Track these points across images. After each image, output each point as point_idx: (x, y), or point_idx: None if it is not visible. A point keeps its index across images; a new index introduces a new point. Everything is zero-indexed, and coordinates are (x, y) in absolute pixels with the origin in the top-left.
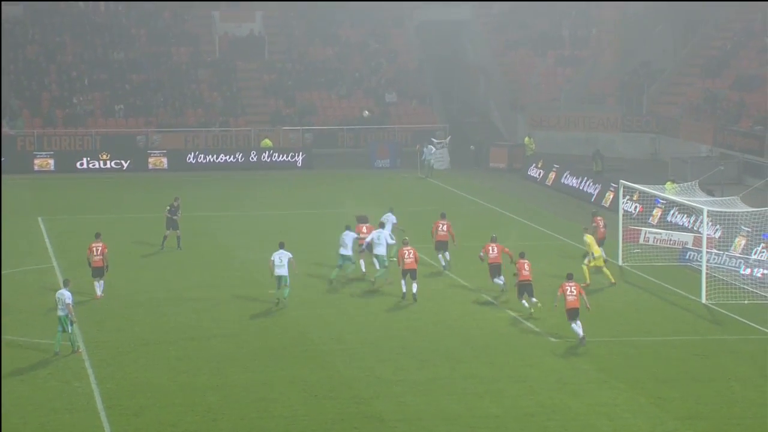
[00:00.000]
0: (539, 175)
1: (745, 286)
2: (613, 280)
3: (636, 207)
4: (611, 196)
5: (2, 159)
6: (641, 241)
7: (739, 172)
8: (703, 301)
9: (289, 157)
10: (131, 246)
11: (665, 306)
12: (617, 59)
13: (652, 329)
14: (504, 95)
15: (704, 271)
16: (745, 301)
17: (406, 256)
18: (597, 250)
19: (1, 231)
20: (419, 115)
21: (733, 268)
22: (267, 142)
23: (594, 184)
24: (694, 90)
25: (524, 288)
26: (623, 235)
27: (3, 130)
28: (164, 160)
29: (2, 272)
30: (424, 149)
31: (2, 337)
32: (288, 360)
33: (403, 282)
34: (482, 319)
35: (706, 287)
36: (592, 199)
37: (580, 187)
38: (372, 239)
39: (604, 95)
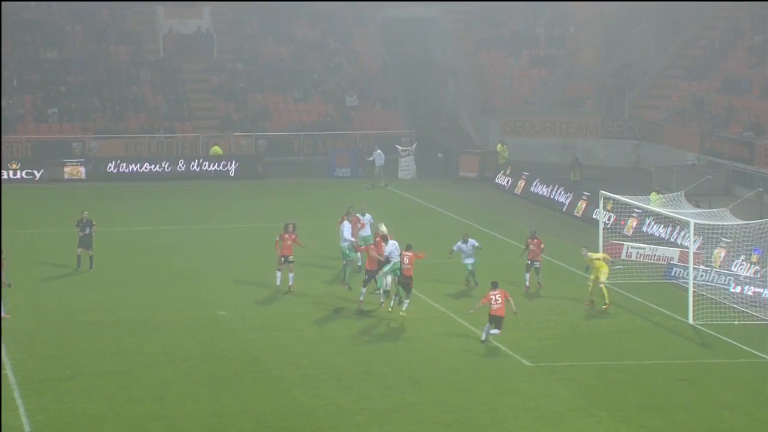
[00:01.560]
0: (507, 182)
1: (735, 306)
2: (606, 303)
3: (611, 217)
4: (584, 206)
5: None
6: (623, 256)
7: (728, 181)
8: (690, 321)
9: (240, 166)
10: (69, 260)
11: (649, 327)
12: (596, 60)
13: (635, 352)
14: (474, 99)
15: (691, 289)
16: (736, 322)
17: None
18: (605, 268)
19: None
20: (383, 120)
21: (722, 286)
22: (216, 149)
23: (565, 192)
24: (679, 93)
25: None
26: (604, 251)
27: None
28: (82, 170)
29: None
30: (374, 154)
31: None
32: (239, 388)
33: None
34: (451, 341)
35: (694, 306)
36: (564, 209)
37: (551, 196)
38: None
39: (582, 99)
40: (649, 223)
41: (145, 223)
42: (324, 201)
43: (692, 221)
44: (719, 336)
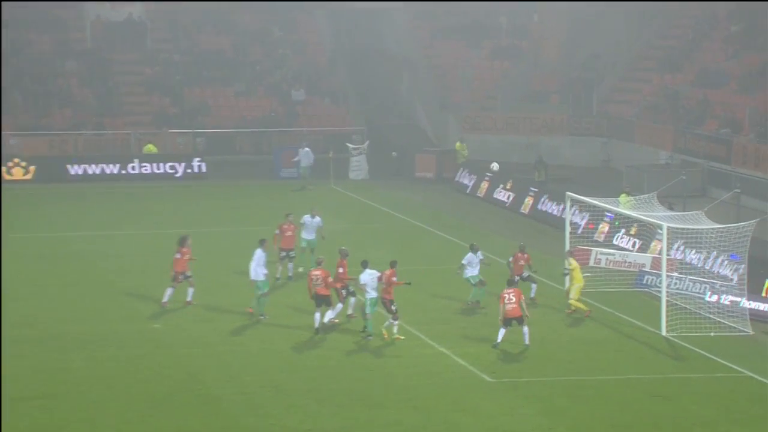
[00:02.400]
0: (470, 182)
1: (712, 316)
2: (579, 309)
3: (582, 219)
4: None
5: None
6: (591, 263)
7: (704, 182)
8: (664, 333)
9: (176, 166)
10: None
11: (619, 339)
12: (562, 51)
13: (605, 367)
14: (432, 93)
15: (664, 299)
16: (712, 333)
17: (314, 281)
18: (580, 280)
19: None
20: (332, 116)
21: (697, 295)
22: (150, 147)
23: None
24: (651, 87)
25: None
26: (571, 257)
27: None
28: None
29: None
30: (301, 153)
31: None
32: (175, 408)
33: (317, 314)
34: (405, 355)
35: (667, 317)
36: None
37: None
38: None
39: (547, 93)
40: (620, 237)
41: (69, 228)
42: (267, 204)
43: (665, 225)
44: (694, 349)
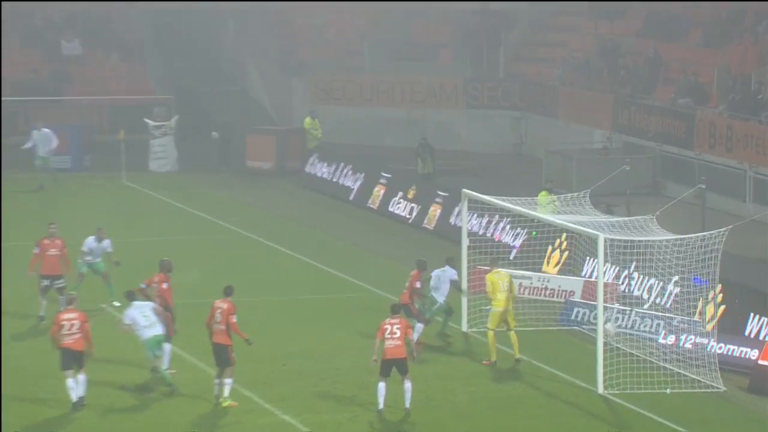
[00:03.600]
0: (326, 174)
1: (668, 365)
2: (495, 356)
3: (483, 221)
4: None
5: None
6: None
7: (655, 174)
8: (600, 390)
9: None
10: None
11: (538, 399)
12: None
13: None
14: (270, 48)
15: (601, 341)
16: (668, 390)
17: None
18: (499, 302)
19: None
20: (122, 79)
21: (647, 335)
22: None
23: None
24: (581, 39)
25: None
26: (469, 280)
27: None
28: None
29: None
30: (34, 136)
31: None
32: None
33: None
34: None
35: (605, 367)
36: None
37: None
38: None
39: (434, 47)
40: (503, 227)
41: None
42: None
43: (602, 236)
44: (642, 412)
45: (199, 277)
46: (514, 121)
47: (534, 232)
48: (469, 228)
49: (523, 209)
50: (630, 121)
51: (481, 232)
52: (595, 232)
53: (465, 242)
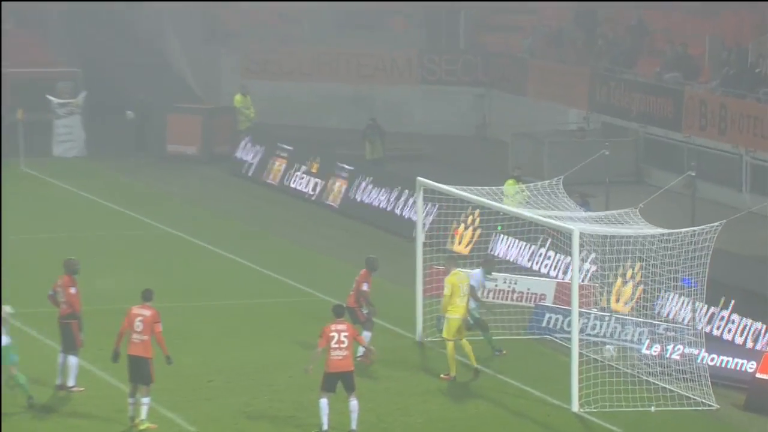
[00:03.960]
0: (253, 161)
1: (652, 379)
2: (455, 370)
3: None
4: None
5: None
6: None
7: (638, 159)
8: (575, 408)
9: None
10: None
11: (504, 419)
12: None
13: None
14: (193, 14)
15: (576, 352)
16: (652, 408)
17: None
18: (458, 309)
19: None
20: (20, 48)
21: (629, 344)
22: None
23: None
24: (554, 5)
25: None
26: (424, 282)
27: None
28: None
29: None
30: None
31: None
32: None
33: None
34: None
35: (581, 382)
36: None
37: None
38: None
39: (385, 15)
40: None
41: None
42: None
43: (576, 230)
44: None
45: (111, 279)
46: (476, 98)
47: (499, 226)
48: (424, 223)
49: (486, 200)
50: (609, 98)
51: (437, 227)
52: (568, 226)
53: (420, 238)
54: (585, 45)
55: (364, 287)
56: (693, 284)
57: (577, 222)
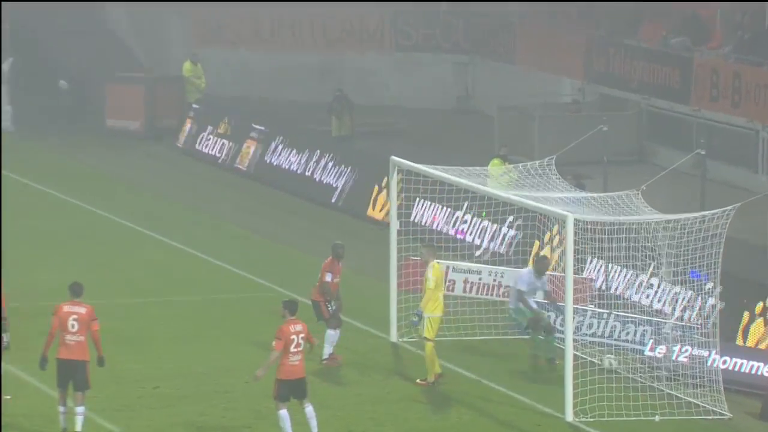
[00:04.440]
0: (194, 135)
1: (657, 385)
2: (434, 375)
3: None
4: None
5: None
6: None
7: (641, 136)
8: (569, 418)
9: None
10: None
11: (489, 428)
12: None
13: None
14: None
15: (570, 354)
16: (656, 418)
17: None
18: (437, 306)
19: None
20: None
21: (630, 345)
22: None
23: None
24: None
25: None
26: (399, 275)
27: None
28: None
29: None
30: None
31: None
32: None
33: None
34: None
35: (575, 388)
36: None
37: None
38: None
39: None
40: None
41: None
42: None
43: (571, 216)
44: None
45: (43, 273)
46: (458, 67)
47: (483, 212)
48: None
49: (468, 182)
50: (608, 67)
51: (414, 213)
52: (561, 212)
53: (394, 225)
54: (581, 8)
55: (327, 278)
56: (703, 278)
57: (570, 204)
